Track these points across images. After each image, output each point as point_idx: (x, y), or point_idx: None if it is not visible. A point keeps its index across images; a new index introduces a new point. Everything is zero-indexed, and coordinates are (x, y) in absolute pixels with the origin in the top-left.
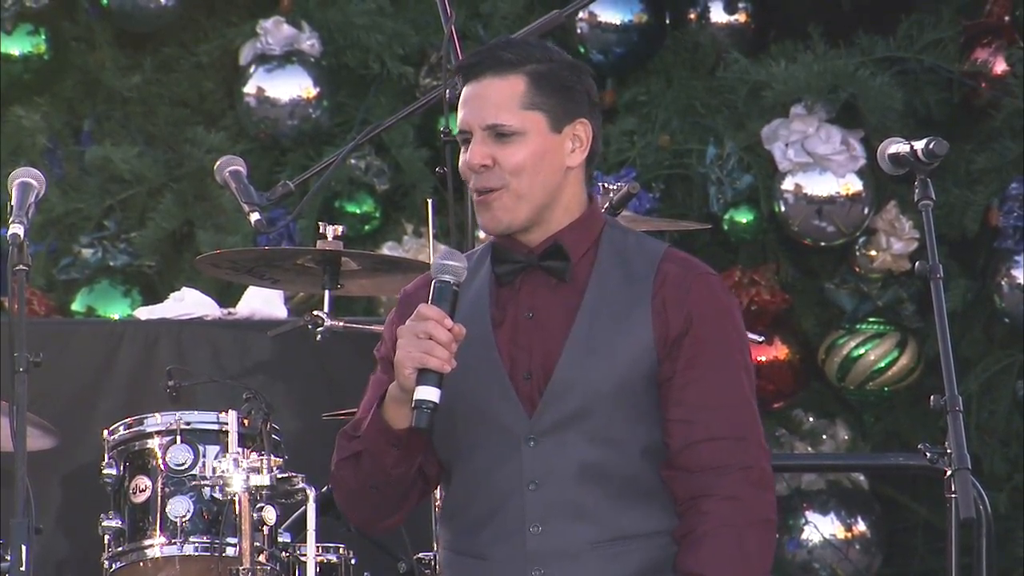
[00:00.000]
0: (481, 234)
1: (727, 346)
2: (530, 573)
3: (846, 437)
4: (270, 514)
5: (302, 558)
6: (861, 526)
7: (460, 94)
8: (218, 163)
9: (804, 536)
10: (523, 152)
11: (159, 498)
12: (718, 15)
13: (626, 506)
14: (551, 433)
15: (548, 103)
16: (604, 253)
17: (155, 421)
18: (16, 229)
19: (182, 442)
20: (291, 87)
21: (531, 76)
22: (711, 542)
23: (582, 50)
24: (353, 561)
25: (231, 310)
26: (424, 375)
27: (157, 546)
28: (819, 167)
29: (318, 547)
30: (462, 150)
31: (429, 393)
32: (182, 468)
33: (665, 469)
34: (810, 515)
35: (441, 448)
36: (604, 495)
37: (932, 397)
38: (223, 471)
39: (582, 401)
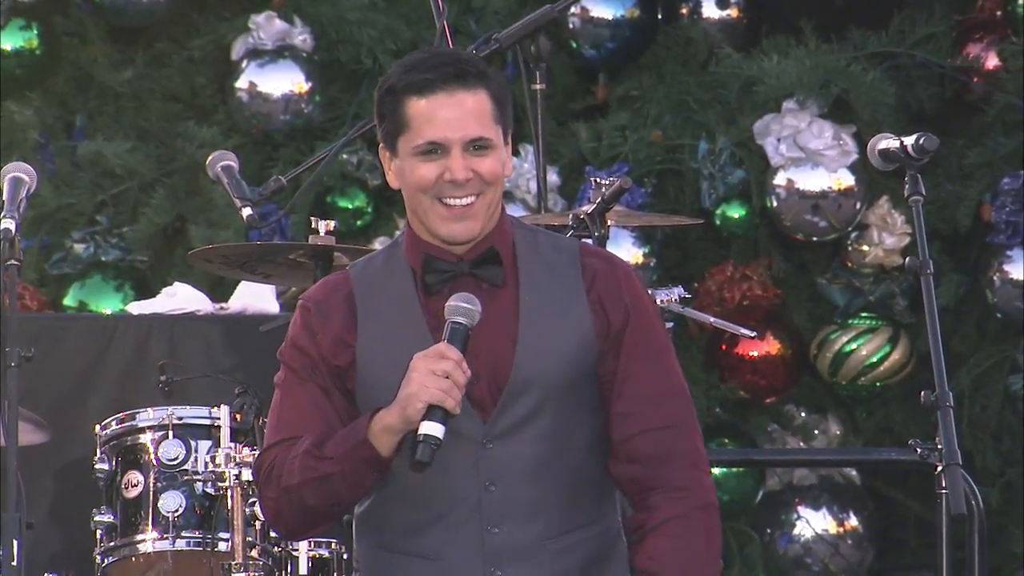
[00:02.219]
0: None
1: (661, 337)
2: (488, 573)
3: (838, 432)
4: None
5: (294, 553)
6: (853, 521)
7: (408, 105)
8: (210, 158)
9: (796, 531)
10: (496, 162)
11: (151, 493)
12: (710, 10)
13: (574, 499)
14: (508, 434)
15: (502, 116)
16: (522, 253)
17: (147, 416)
18: (7, 224)
19: (174, 437)
20: (283, 82)
21: (491, 90)
22: (661, 537)
23: (574, 45)
24: (345, 556)
25: (223, 305)
26: (432, 411)
27: (149, 541)
28: (811, 162)
29: (310, 542)
30: (419, 161)
31: (436, 429)
32: (174, 463)
33: (612, 465)
34: (802, 510)
35: None
36: (556, 490)
37: (923, 393)
38: (215, 466)
39: (538, 399)
